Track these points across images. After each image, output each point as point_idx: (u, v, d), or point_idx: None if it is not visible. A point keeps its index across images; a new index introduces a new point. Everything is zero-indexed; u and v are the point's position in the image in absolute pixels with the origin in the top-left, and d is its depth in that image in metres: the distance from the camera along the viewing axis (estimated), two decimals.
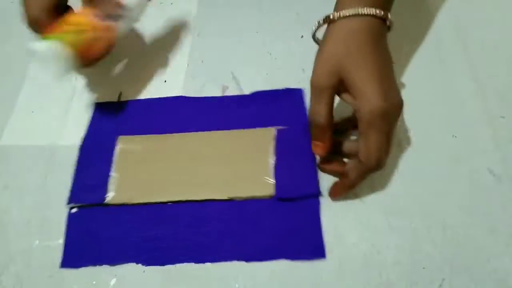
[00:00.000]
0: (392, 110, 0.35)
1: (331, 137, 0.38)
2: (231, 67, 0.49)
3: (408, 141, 0.43)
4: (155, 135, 0.43)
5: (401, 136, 0.43)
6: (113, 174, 0.41)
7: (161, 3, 0.55)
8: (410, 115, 0.44)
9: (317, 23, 0.38)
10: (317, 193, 0.39)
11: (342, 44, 0.36)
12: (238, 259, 0.37)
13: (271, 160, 0.41)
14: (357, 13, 0.36)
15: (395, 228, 0.38)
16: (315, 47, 0.50)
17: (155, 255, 0.38)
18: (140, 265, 0.37)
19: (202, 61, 0.49)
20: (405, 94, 0.45)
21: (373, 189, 0.40)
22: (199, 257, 0.37)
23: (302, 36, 0.50)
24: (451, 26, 0.50)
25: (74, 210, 0.40)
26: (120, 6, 0.41)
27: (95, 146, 0.43)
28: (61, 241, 0.39)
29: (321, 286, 0.36)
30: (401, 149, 0.42)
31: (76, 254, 0.38)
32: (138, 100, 0.46)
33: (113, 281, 0.37)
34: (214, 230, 0.38)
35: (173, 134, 0.43)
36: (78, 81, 0.48)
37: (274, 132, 0.42)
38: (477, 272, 0.36)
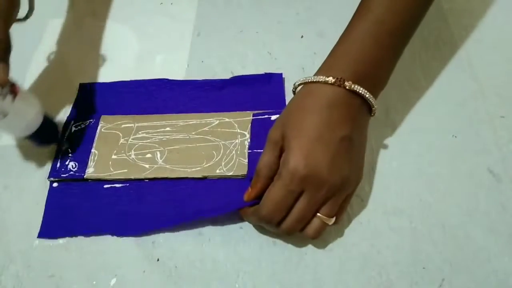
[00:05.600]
0: (315, 181, 0.33)
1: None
2: (231, 67, 0.49)
3: (408, 141, 0.43)
4: (137, 115, 0.45)
5: (400, 135, 0.43)
6: (94, 151, 0.43)
7: (161, 3, 0.55)
8: (410, 115, 0.44)
9: (293, 85, 0.39)
10: None
11: (294, 102, 0.37)
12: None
13: (246, 142, 0.42)
14: (317, 80, 0.35)
15: (395, 228, 0.38)
16: (315, 47, 0.50)
17: (129, 226, 0.39)
18: (140, 264, 0.37)
19: (202, 61, 0.50)
20: (405, 94, 0.46)
21: (373, 189, 0.40)
22: (168, 223, 0.39)
23: (302, 36, 0.50)
24: (451, 26, 0.50)
25: (55, 185, 0.42)
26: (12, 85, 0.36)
27: (78, 124, 0.45)
28: (61, 241, 0.39)
29: (321, 286, 0.36)
30: (401, 149, 0.42)
31: (53, 225, 0.39)
32: (123, 81, 0.48)
33: (113, 281, 0.37)
34: (187, 206, 0.40)
35: (154, 114, 0.45)
36: (77, 82, 0.48)
37: (251, 115, 0.44)
38: (477, 272, 0.36)
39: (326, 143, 0.34)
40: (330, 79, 0.35)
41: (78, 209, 0.40)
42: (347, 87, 0.35)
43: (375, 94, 0.37)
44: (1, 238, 0.39)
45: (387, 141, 0.43)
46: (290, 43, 0.50)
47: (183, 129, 0.44)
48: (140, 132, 0.44)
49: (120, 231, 0.39)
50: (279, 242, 0.38)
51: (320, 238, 0.38)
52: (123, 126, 0.44)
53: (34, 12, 0.53)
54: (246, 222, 0.39)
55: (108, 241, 0.39)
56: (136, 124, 0.44)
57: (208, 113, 0.45)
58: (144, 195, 0.40)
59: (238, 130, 0.43)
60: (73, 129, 0.44)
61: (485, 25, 0.50)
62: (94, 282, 0.37)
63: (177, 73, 0.48)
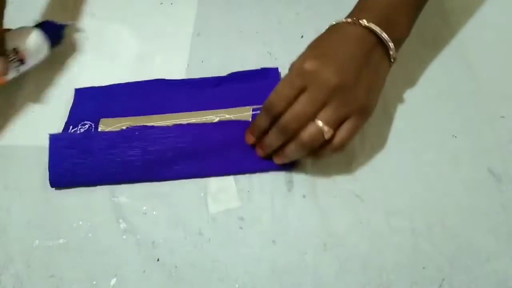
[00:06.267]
0: (319, 77, 0.35)
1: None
2: (231, 67, 0.49)
3: (408, 140, 0.43)
4: (136, 116, 0.45)
5: (400, 135, 0.43)
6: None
7: (161, 3, 0.55)
8: (410, 115, 0.44)
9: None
10: (292, 165, 0.41)
11: (321, 36, 0.39)
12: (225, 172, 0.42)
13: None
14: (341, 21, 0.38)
15: (395, 228, 0.38)
16: None
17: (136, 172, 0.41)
18: (140, 264, 0.37)
19: (202, 61, 0.50)
20: (405, 93, 0.46)
21: (373, 189, 0.40)
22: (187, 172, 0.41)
23: (302, 36, 0.50)
24: (451, 26, 0.51)
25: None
26: (16, 52, 0.44)
27: (77, 128, 0.44)
28: (61, 241, 0.39)
29: (321, 286, 0.36)
30: (401, 149, 0.42)
31: (62, 174, 0.41)
32: (118, 84, 0.48)
33: (113, 281, 0.37)
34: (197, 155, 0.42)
35: (153, 115, 0.45)
36: (77, 83, 0.48)
37: (250, 111, 0.44)
38: (477, 272, 0.36)
39: (338, 52, 0.36)
40: (348, 20, 0.37)
41: (83, 157, 0.41)
42: (362, 25, 0.36)
43: (393, 38, 0.37)
44: (1, 238, 0.39)
45: (387, 140, 0.43)
46: (290, 43, 0.50)
47: None
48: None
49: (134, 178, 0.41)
50: (279, 242, 0.38)
51: (320, 238, 0.38)
52: (124, 128, 0.44)
53: (34, 11, 0.53)
54: (246, 222, 0.39)
55: (108, 241, 0.39)
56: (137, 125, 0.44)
57: (208, 111, 0.45)
58: (152, 141, 0.42)
59: None
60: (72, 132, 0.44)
61: (486, 25, 0.50)
62: (94, 282, 0.37)
63: (177, 73, 0.48)
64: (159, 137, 0.42)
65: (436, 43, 0.49)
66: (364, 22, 0.36)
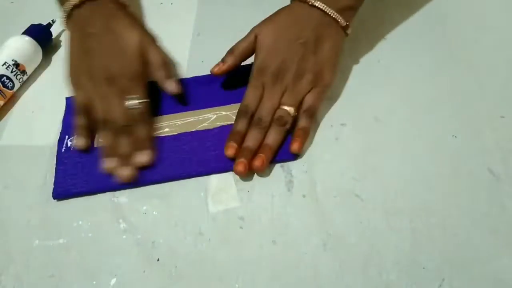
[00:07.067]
0: (273, 76, 0.43)
1: None
2: None
3: (408, 140, 0.43)
4: None
5: (400, 135, 0.43)
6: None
7: (161, 3, 0.55)
8: (410, 115, 0.44)
9: None
10: (295, 156, 0.42)
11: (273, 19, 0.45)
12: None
13: None
14: None
15: (395, 228, 0.38)
16: None
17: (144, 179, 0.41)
18: (140, 264, 0.37)
19: (202, 61, 0.50)
20: (405, 93, 0.46)
21: (373, 189, 0.40)
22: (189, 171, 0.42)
23: None
24: (450, 26, 0.51)
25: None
26: (17, 65, 0.47)
27: (73, 138, 0.44)
28: (61, 241, 0.39)
29: (322, 286, 0.36)
30: (401, 149, 0.42)
31: (66, 184, 0.41)
32: None
33: (113, 281, 0.37)
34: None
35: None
36: None
37: None
38: (477, 272, 0.36)
39: (284, 40, 0.43)
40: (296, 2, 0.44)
41: (88, 167, 0.42)
42: (309, 3, 0.43)
43: (340, 7, 0.43)
44: (1, 238, 0.39)
45: (387, 141, 0.43)
46: None
47: (182, 128, 0.44)
48: None
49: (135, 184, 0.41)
50: (279, 242, 0.38)
51: (320, 238, 0.38)
52: None
53: (34, 13, 0.53)
54: (246, 222, 0.39)
55: (108, 241, 0.39)
56: None
57: (204, 109, 0.45)
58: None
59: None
60: (69, 143, 0.43)
61: (485, 25, 0.51)
62: (94, 282, 0.37)
63: (177, 73, 0.48)
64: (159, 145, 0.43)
65: (436, 43, 0.49)
66: (311, 1, 0.42)
